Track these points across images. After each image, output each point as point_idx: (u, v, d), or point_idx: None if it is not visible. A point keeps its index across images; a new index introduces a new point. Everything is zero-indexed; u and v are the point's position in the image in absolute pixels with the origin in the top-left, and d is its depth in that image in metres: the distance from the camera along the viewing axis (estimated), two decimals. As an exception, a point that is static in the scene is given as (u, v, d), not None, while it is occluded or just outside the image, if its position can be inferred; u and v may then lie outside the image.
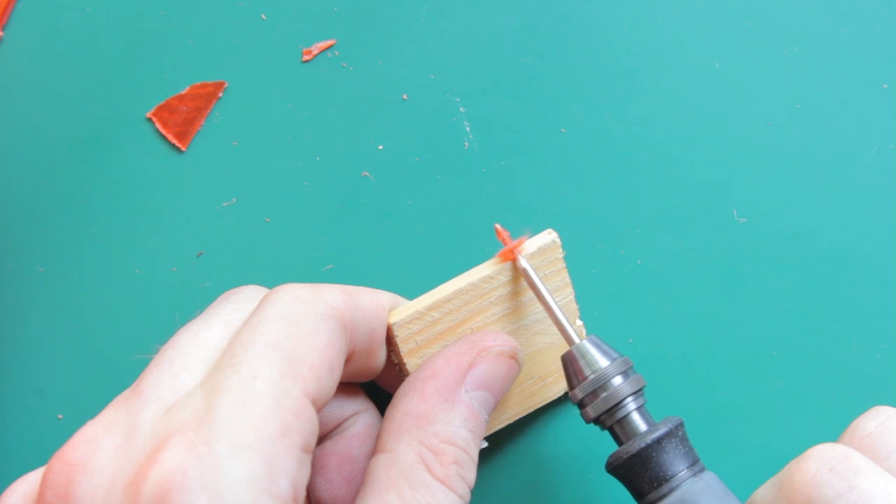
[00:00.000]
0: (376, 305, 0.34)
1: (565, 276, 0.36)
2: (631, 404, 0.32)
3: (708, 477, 0.31)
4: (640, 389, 0.32)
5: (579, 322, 0.38)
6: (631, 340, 0.41)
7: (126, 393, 0.29)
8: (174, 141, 0.44)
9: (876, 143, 0.41)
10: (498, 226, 0.35)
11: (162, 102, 0.44)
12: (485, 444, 0.33)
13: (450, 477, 0.30)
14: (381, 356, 0.34)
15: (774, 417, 0.40)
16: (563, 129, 0.43)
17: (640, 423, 0.32)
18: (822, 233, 0.41)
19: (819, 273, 0.41)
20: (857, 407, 0.39)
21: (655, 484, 0.31)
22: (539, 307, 0.36)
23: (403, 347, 0.34)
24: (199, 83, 0.44)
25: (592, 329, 0.40)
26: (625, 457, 0.31)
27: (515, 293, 0.35)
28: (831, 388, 0.40)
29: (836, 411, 0.39)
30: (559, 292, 0.36)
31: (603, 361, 0.32)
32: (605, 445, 0.34)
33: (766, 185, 0.42)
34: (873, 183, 0.41)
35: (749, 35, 0.43)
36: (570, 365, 0.33)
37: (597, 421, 0.33)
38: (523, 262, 0.34)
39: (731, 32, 0.43)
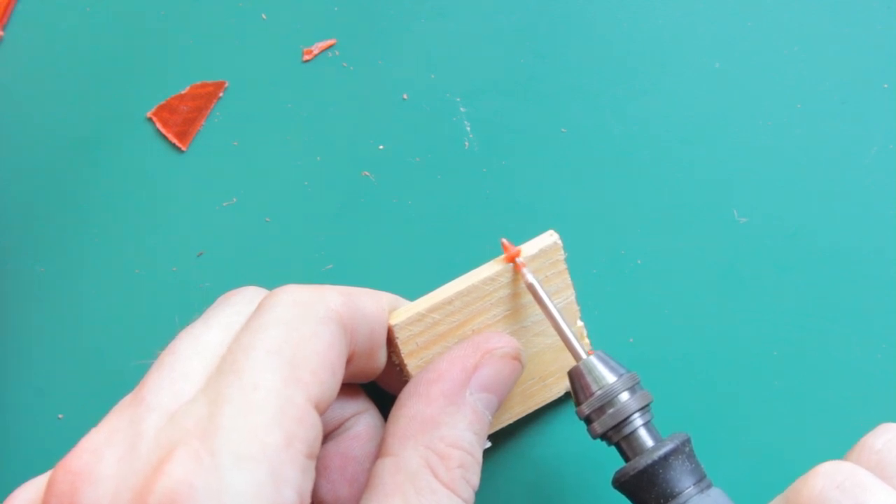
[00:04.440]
0: (377, 307, 0.34)
1: (566, 278, 0.36)
2: (638, 420, 0.32)
3: (715, 493, 0.31)
4: (647, 405, 0.33)
5: (580, 323, 0.38)
6: (631, 340, 0.41)
7: (127, 399, 0.29)
8: (174, 141, 0.44)
9: (876, 143, 0.41)
10: (504, 241, 0.35)
11: (162, 102, 0.44)
12: (488, 444, 0.34)
13: (455, 481, 0.30)
14: (381, 357, 0.34)
15: (774, 417, 0.40)
16: (563, 129, 0.43)
17: (647, 440, 0.32)
18: (822, 233, 0.41)
19: (819, 273, 0.41)
20: (857, 407, 0.40)
21: (662, 500, 0.31)
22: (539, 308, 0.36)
23: (404, 349, 0.35)
24: (199, 83, 0.44)
25: (593, 329, 0.40)
26: (631, 473, 0.31)
27: (516, 295, 0.35)
28: (831, 388, 0.40)
29: (837, 411, 0.40)
30: (560, 294, 0.36)
31: (610, 377, 0.32)
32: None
33: (766, 185, 0.42)
34: (873, 183, 0.41)
35: (749, 35, 0.43)
36: (577, 380, 0.33)
37: (604, 437, 0.33)
38: (530, 278, 0.34)
39: (731, 32, 0.43)
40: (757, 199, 0.41)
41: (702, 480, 0.32)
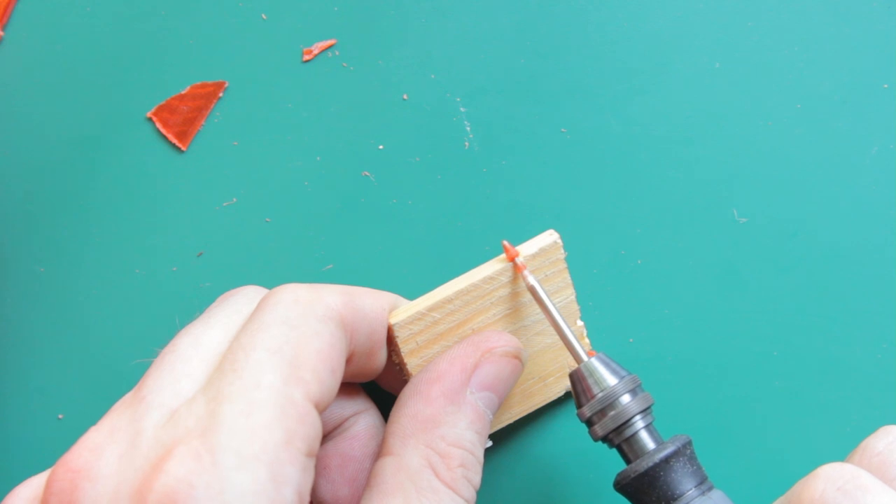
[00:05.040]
0: (377, 306, 0.34)
1: (566, 277, 0.36)
2: (639, 422, 0.32)
3: (716, 496, 0.31)
4: (648, 408, 0.33)
5: (580, 322, 0.38)
6: (631, 340, 0.41)
7: (128, 397, 0.29)
8: (174, 141, 0.44)
9: (876, 142, 0.41)
10: (506, 242, 0.35)
11: (162, 102, 0.44)
12: (489, 444, 0.34)
13: (456, 480, 0.30)
14: (381, 357, 0.35)
15: (775, 418, 0.40)
16: (563, 129, 0.43)
17: (648, 442, 0.32)
18: (822, 233, 0.41)
19: (819, 273, 0.41)
20: (858, 407, 0.40)
21: (664, 503, 0.31)
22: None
23: (404, 348, 0.35)
24: (199, 83, 0.44)
25: (593, 329, 0.40)
26: (633, 475, 0.31)
27: (516, 294, 0.35)
28: (831, 388, 0.40)
29: (837, 411, 0.40)
30: (560, 293, 0.36)
31: (611, 379, 0.32)
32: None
33: (766, 185, 0.42)
34: (873, 183, 0.41)
35: (749, 35, 0.43)
36: (579, 383, 0.33)
37: (605, 439, 0.33)
38: (531, 280, 0.34)
39: (731, 32, 0.43)
40: (757, 199, 0.41)
41: (703, 482, 0.32)
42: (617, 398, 0.32)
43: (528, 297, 0.36)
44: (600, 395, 0.32)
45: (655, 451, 0.32)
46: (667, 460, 0.31)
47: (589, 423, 0.33)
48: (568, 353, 0.37)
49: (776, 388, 0.40)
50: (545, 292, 0.34)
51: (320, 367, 0.28)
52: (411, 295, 0.36)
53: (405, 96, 0.44)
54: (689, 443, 0.32)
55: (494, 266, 0.35)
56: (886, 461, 0.29)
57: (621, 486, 0.32)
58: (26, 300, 0.44)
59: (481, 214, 0.42)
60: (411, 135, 0.43)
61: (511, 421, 0.38)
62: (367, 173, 0.43)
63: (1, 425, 0.43)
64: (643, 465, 0.31)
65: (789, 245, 0.41)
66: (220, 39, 0.45)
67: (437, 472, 0.30)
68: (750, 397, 0.40)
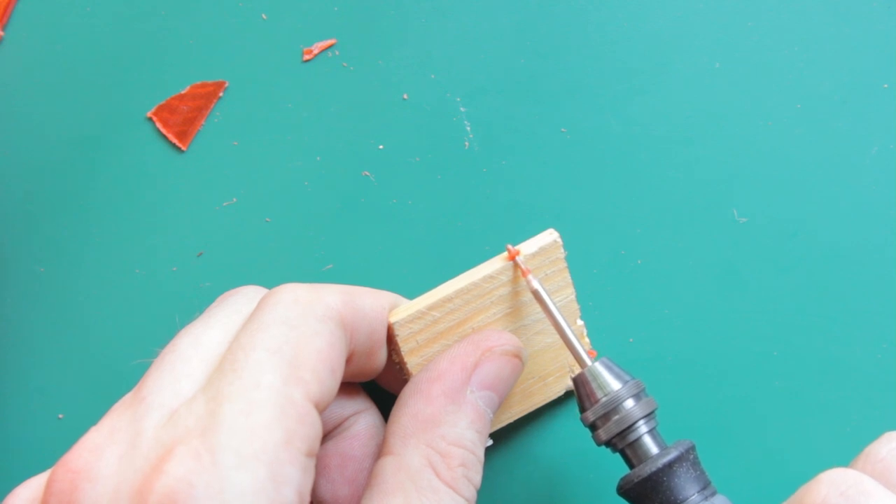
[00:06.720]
0: (377, 305, 0.34)
1: (566, 276, 0.36)
2: (643, 427, 0.32)
3: (719, 501, 0.31)
4: (651, 412, 0.32)
5: (580, 322, 0.38)
6: (631, 340, 0.41)
7: (128, 398, 0.29)
8: (174, 141, 0.44)
9: (876, 142, 0.41)
10: (510, 246, 0.35)
11: (162, 102, 0.44)
12: (490, 442, 0.34)
13: (456, 480, 0.30)
14: (381, 356, 0.35)
15: (775, 418, 0.40)
16: (563, 129, 0.43)
17: (651, 447, 0.32)
18: (823, 233, 0.41)
19: (819, 273, 0.41)
20: (858, 407, 0.40)
21: None
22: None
23: (404, 347, 0.35)
24: (199, 83, 0.44)
25: (593, 329, 0.40)
26: (636, 480, 0.31)
27: (516, 293, 0.35)
28: (832, 388, 0.40)
29: (837, 412, 0.40)
30: (560, 292, 0.36)
31: (615, 384, 0.32)
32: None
33: (766, 185, 0.42)
34: (873, 183, 0.41)
35: (749, 35, 0.43)
36: (582, 387, 0.33)
37: (608, 443, 0.33)
38: (535, 283, 0.34)
39: (731, 32, 0.43)
40: (757, 199, 0.41)
41: (706, 488, 0.32)
42: (621, 403, 0.32)
43: (528, 296, 0.36)
44: (604, 399, 0.32)
45: (658, 456, 0.32)
46: (670, 465, 0.31)
47: (592, 427, 0.33)
48: (568, 353, 0.37)
49: (776, 388, 0.40)
50: (548, 295, 0.34)
51: (320, 366, 0.28)
52: (411, 295, 0.36)
53: (405, 96, 0.44)
54: (693, 448, 0.32)
55: (494, 265, 0.35)
56: (889, 467, 0.29)
57: (624, 490, 0.32)
58: (26, 300, 0.44)
59: (481, 214, 0.42)
60: (411, 135, 0.43)
61: (511, 420, 0.38)
62: (367, 173, 0.43)
63: (1, 425, 0.43)
64: (646, 469, 0.31)
65: (789, 245, 0.41)
66: (220, 39, 0.45)
67: (438, 471, 0.30)
68: (750, 397, 0.40)
